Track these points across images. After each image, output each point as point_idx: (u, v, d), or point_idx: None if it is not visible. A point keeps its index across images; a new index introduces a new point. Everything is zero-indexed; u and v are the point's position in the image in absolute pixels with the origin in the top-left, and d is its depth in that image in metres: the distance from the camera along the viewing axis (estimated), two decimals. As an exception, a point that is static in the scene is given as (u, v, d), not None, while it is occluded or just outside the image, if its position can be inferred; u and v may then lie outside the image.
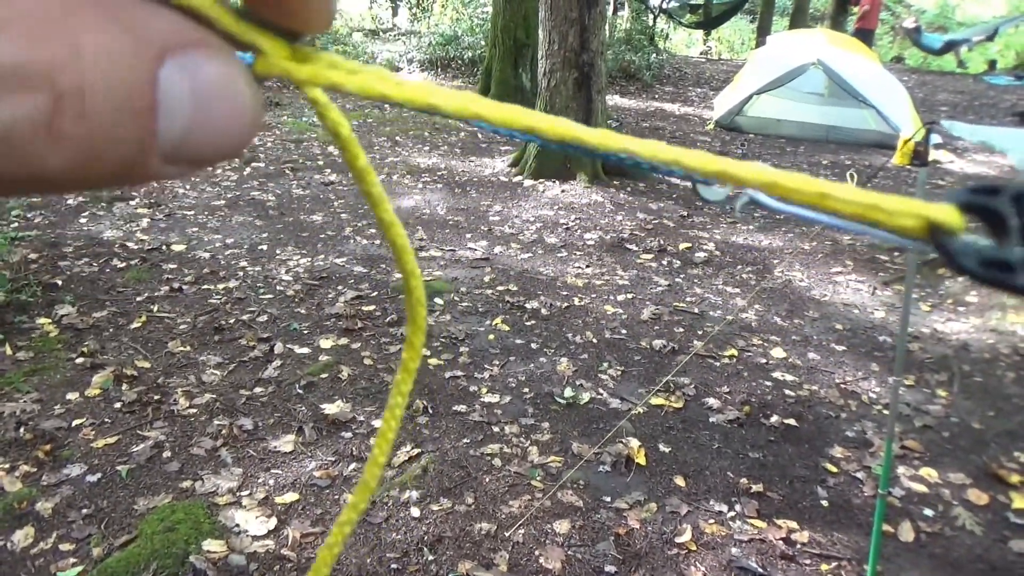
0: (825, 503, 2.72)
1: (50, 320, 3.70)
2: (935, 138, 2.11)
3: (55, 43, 0.18)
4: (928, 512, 2.69)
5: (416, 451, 2.87)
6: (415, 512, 2.55)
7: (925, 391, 3.52)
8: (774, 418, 3.22)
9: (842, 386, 3.53)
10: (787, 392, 3.44)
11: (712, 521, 2.59)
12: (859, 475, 2.88)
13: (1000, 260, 0.21)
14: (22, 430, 2.86)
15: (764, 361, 3.72)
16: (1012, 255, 0.21)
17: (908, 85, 10.87)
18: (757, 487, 2.77)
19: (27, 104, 0.18)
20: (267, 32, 0.22)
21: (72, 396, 3.11)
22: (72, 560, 2.28)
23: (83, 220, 5.13)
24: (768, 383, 3.52)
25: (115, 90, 0.19)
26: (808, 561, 2.44)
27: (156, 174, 0.21)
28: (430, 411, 3.14)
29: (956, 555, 2.50)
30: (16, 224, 4.88)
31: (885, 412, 3.30)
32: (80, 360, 3.37)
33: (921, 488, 2.82)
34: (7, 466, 2.67)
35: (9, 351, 3.38)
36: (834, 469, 2.91)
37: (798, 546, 2.50)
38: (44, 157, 0.18)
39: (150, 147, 0.20)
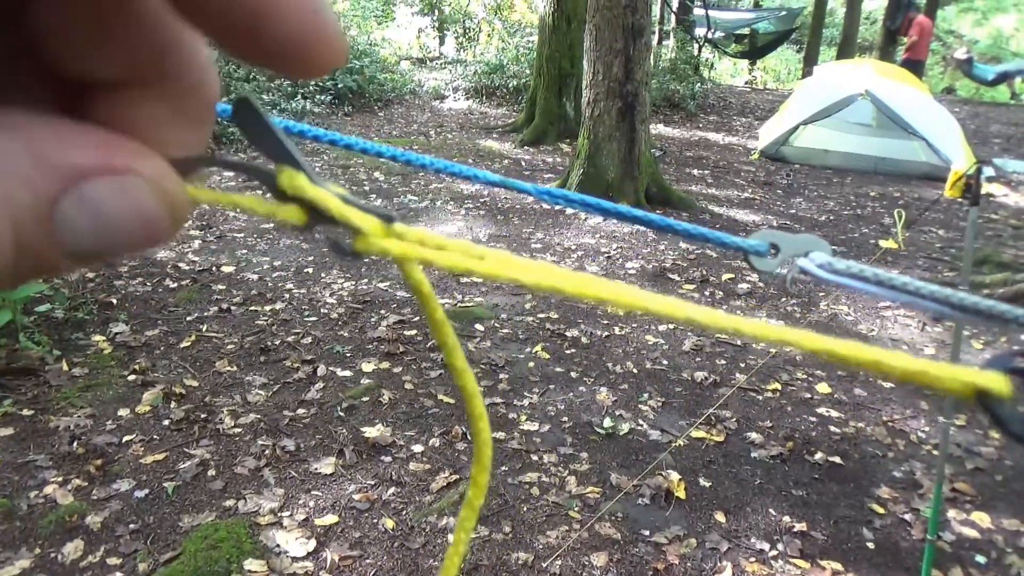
0: (871, 545, 2.65)
1: (104, 337, 3.82)
2: (988, 171, 2.07)
3: None
4: (980, 559, 2.60)
5: (455, 477, 2.88)
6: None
7: (977, 432, 3.42)
8: (818, 455, 3.15)
9: (890, 424, 3.44)
10: (832, 428, 3.37)
11: (753, 559, 2.54)
12: (907, 517, 2.80)
13: None
14: (75, 444, 2.95)
15: (809, 396, 3.66)
16: None
17: (960, 116, 10.66)
18: (800, 526, 2.71)
19: None
20: (367, 214, 0.25)
21: (123, 412, 3.20)
22: (119, 574, 2.34)
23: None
24: (812, 419, 3.45)
25: (15, 214, 0.20)
26: (853, 605, 2.38)
27: (69, 270, 0.22)
28: (469, 438, 3.15)
29: (1010, 605, 2.41)
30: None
31: (934, 452, 3.20)
32: (132, 377, 3.47)
33: (972, 533, 2.73)
34: (60, 479, 2.75)
35: (65, 367, 3.50)
36: (881, 510, 2.83)
37: (843, 589, 2.43)
38: None
39: (54, 258, 0.21)
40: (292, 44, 0.21)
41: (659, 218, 0.29)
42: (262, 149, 0.25)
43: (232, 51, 0.21)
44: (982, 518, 2.81)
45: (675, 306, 0.25)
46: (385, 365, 3.72)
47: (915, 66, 12.53)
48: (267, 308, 4.32)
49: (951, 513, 2.82)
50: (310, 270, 4.97)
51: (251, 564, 2.39)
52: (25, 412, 3.14)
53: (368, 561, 2.45)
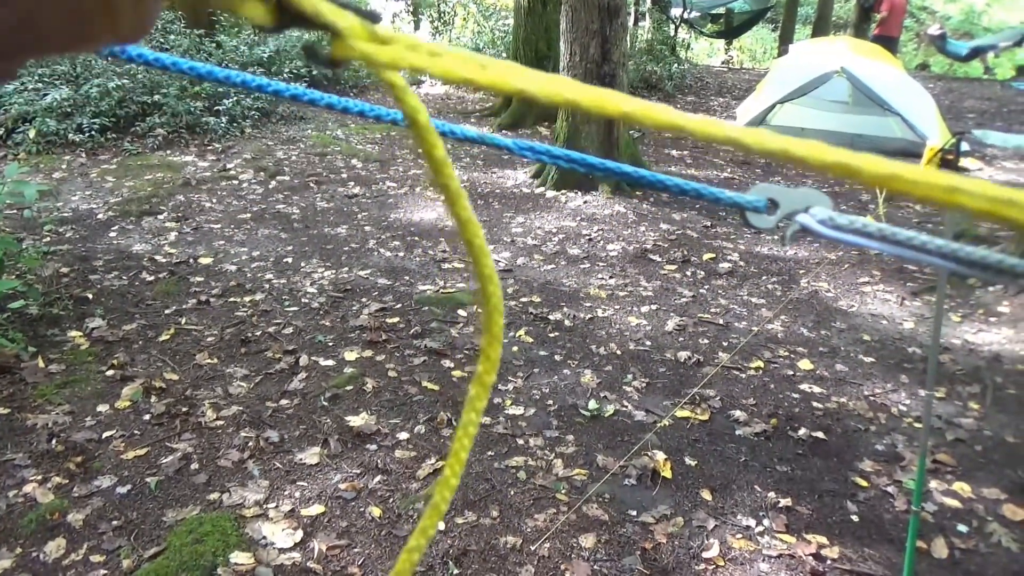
0: (856, 518, 2.68)
1: (81, 333, 3.76)
2: (963, 145, 2.08)
3: None
4: (962, 528, 2.64)
5: (440, 463, 2.87)
6: (440, 525, 2.55)
7: (957, 404, 3.46)
8: (802, 431, 3.18)
9: (871, 398, 3.48)
10: (815, 404, 3.40)
11: (740, 536, 2.56)
12: (890, 489, 2.83)
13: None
14: (54, 442, 2.90)
15: (791, 373, 3.68)
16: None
17: (934, 92, 10.74)
18: (785, 501, 2.73)
19: None
20: (346, 12, 0.21)
21: (103, 408, 3.15)
22: (103, 572, 2.31)
23: (113, 234, 5.21)
24: (795, 395, 3.48)
25: None
26: (839, 577, 2.40)
27: None
28: (454, 423, 3.14)
29: (992, 572, 2.44)
30: (48, 239, 4.98)
31: (916, 425, 3.24)
32: (110, 372, 3.42)
33: (954, 503, 2.77)
34: (40, 478, 2.71)
35: (42, 364, 3.44)
36: (864, 483, 2.87)
37: (828, 562, 2.46)
38: None
39: None
40: None
41: (651, 174, 0.27)
42: None
43: None
44: (964, 488, 2.85)
45: (612, 98, 0.22)
46: (368, 353, 3.69)
47: (887, 42, 12.55)
48: (247, 299, 4.27)
49: (933, 484, 2.86)
50: (289, 260, 4.91)
51: (238, 557, 2.37)
52: (1, 411, 3.09)
53: (356, 550, 2.44)
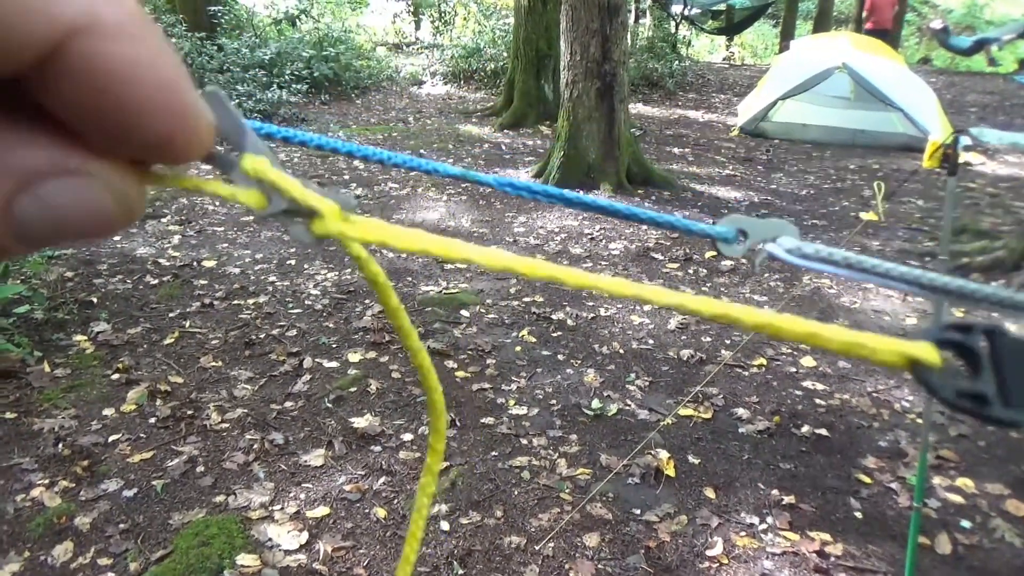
0: (859, 515, 2.68)
1: (86, 337, 3.78)
2: (965, 140, 2.08)
3: None
4: (965, 523, 2.64)
5: (445, 464, 2.88)
6: (444, 526, 2.56)
7: (960, 399, 3.46)
8: (805, 428, 3.18)
9: (874, 395, 3.48)
10: (818, 401, 3.40)
11: (743, 534, 2.57)
12: (893, 486, 2.83)
13: (975, 392, 0.23)
14: (60, 446, 2.92)
15: (794, 370, 3.69)
16: (985, 387, 0.23)
17: (936, 87, 10.72)
18: (789, 499, 2.74)
19: None
20: (325, 198, 0.26)
21: (108, 412, 3.17)
22: (110, 575, 2.33)
23: (116, 238, 5.24)
24: (798, 392, 3.48)
25: None
26: (843, 574, 2.41)
27: (21, 253, 0.24)
28: (458, 424, 3.15)
29: (995, 567, 2.45)
30: (52, 243, 5.00)
31: (918, 421, 3.24)
32: (116, 376, 3.44)
33: (958, 499, 2.77)
34: (47, 481, 2.73)
35: (47, 368, 3.46)
36: (867, 480, 2.87)
37: (832, 559, 2.47)
38: None
39: (9, 244, 0.23)
40: (158, 143, 0.23)
41: (624, 207, 0.28)
42: (229, 139, 0.26)
43: (106, 146, 0.23)
44: (967, 484, 2.85)
45: (615, 285, 0.26)
46: (372, 355, 3.70)
47: (882, 35, 12.53)
48: (250, 302, 4.29)
49: (936, 480, 2.86)
50: (292, 262, 4.93)
51: (244, 559, 2.38)
52: (8, 415, 3.11)
53: (361, 551, 2.45)
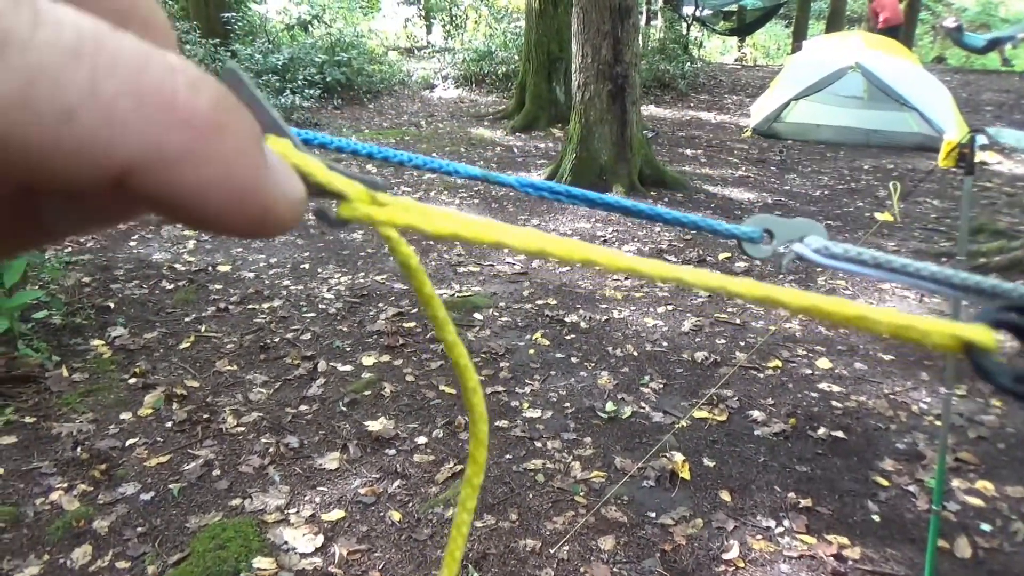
0: (877, 518, 2.66)
1: (103, 342, 3.81)
2: (982, 139, 2.06)
3: None
4: (985, 527, 2.61)
5: (459, 467, 2.89)
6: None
7: (978, 401, 3.43)
8: (821, 430, 3.16)
9: (891, 396, 3.45)
10: (834, 403, 3.38)
11: (760, 537, 2.55)
12: (911, 488, 2.81)
13: None
14: (79, 450, 2.95)
15: (809, 372, 3.66)
16: None
17: (951, 85, 10.64)
18: (805, 501, 2.72)
19: None
20: (353, 181, 0.25)
21: (126, 416, 3.19)
22: (128, 577, 2.34)
23: (133, 243, 5.28)
24: (814, 394, 3.46)
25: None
26: (860, 578, 2.39)
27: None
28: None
29: (1017, 571, 2.42)
30: (70, 248, 5.05)
31: (936, 423, 3.21)
32: (132, 380, 3.46)
33: (977, 502, 2.74)
34: (65, 485, 2.75)
35: (65, 373, 3.50)
36: (885, 483, 2.85)
37: (849, 563, 2.45)
38: None
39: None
40: (244, 233, 0.22)
41: (648, 207, 0.28)
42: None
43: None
44: (986, 486, 2.82)
45: (643, 264, 0.25)
46: (385, 358, 3.71)
47: (893, 32, 12.43)
48: (265, 306, 4.31)
49: (955, 483, 2.84)
50: (306, 266, 4.95)
51: (260, 562, 2.40)
52: (27, 419, 3.14)
53: (376, 554, 2.46)
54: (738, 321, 4.21)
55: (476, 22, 17.10)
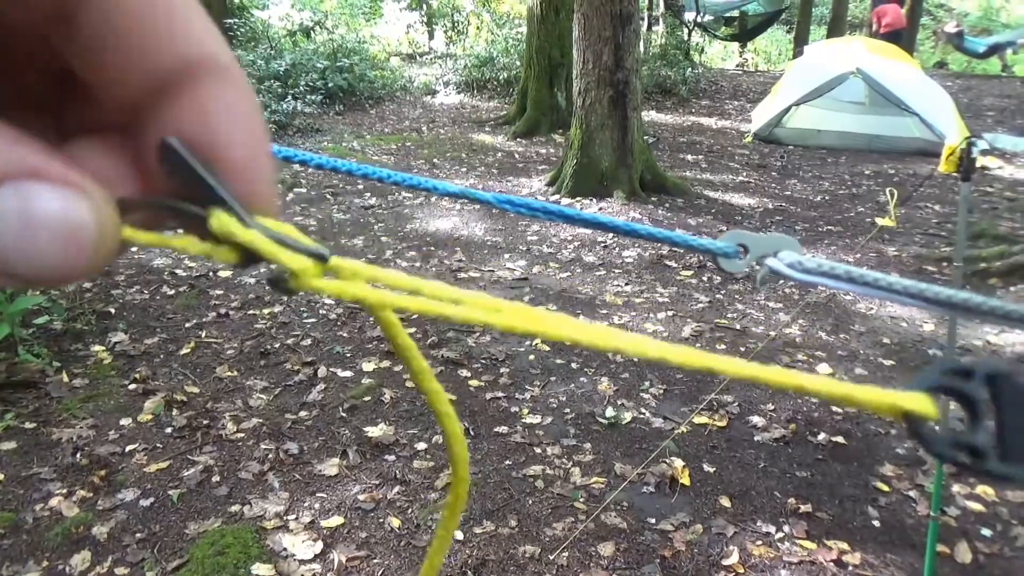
0: (877, 523, 2.65)
1: (104, 347, 3.82)
2: (981, 144, 2.06)
3: None
4: (986, 532, 2.61)
5: (459, 473, 2.88)
6: (459, 535, 2.56)
7: (979, 406, 3.41)
8: (821, 436, 3.16)
9: (891, 402, 3.44)
10: (834, 409, 3.38)
11: (760, 543, 2.55)
12: (911, 494, 2.80)
13: (971, 444, 0.21)
14: (79, 456, 2.95)
15: (809, 377, 3.65)
16: (983, 439, 0.21)
17: (952, 91, 10.64)
18: (805, 507, 2.71)
19: None
20: (298, 254, 0.26)
21: (125, 422, 3.20)
22: (127, 584, 2.34)
23: (134, 248, 5.29)
24: (814, 400, 3.45)
25: None
26: (860, 584, 2.38)
27: None
28: (471, 433, 3.15)
29: (1017, 577, 2.41)
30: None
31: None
32: (133, 386, 3.47)
33: (978, 507, 2.73)
34: (65, 491, 2.75)
35: (66, 378, 3.50)
36: (885, 488, 2.84)
37: (850, 568, 2.44)
38: None
39: None
40: (233, 172, 0.24)
41: (624, 223, 0.28)
42: (193, 192, 0.25)
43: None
44: (987, 492, 2.81)
45: (634, 342, 0.26)
46: (386, 364, 3.72)
47: (895, 36, 12.44)
48: (265, 311, 4.32)
49: (956, 488, 2.83)
50: (307, 272, 4.95)
51: (259, 568, 2.39)
52: (27, 425, 3.14)
53: (375, 561, 2.46)
54: (738, 326, 4.21)
55: (478, 28, 17.15)
